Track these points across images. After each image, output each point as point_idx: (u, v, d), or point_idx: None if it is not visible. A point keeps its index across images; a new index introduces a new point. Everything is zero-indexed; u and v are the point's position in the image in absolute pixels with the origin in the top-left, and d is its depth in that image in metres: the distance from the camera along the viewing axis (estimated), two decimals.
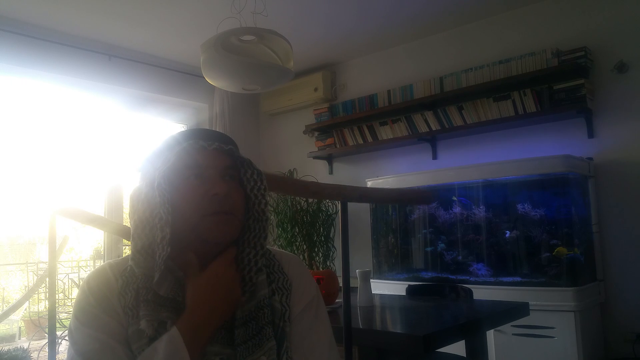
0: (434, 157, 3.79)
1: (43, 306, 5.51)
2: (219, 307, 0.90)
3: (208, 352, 0.90)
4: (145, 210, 0.93)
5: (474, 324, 1.91)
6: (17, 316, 5.13)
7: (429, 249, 3.44)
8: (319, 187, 1.46)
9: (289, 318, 0.97)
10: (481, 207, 3.17)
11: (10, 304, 5.10)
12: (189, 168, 0.93)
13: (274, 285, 0.99)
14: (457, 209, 3.27)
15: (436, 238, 3.39)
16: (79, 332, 0.89)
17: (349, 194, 1.38)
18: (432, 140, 3.76)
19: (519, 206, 3.00)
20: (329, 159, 4.36)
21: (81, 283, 0.97)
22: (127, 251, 3.65)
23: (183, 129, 0.99)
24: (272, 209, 4.00)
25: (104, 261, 4.11)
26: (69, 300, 5.29)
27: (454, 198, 3.27)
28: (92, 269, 1.02)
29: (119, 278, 0.94)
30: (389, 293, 2.97)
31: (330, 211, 3.68)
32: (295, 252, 3.77)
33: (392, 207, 3.68)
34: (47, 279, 2.24)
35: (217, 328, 0.90)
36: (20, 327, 5.32)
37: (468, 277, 3.11)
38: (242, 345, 0.90)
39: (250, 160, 0.99)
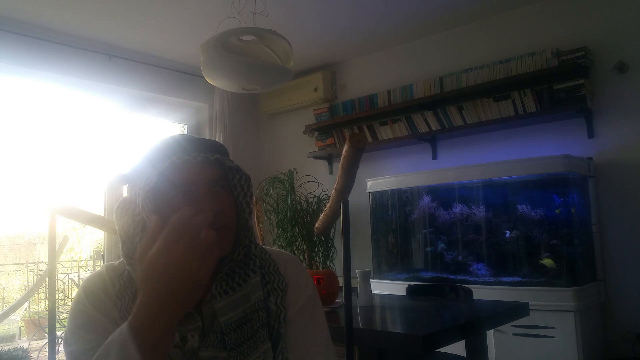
0: (434, 157, 3.79)
1: (43, 306, 5.52)
2: (175, 288, 0.76)
3: (202, 356, 0.88)
4: (129, 225, 0.91)
5: (474, 324, 1.91)
6: (17, 316, 5.13)
7: (429, 249, 3.44)
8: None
9: (284, 319, 0.95)
10: (481, 207, 3.17)
11: (10, 304, 5.10)
12: (176, 187, 0.88)
13: (269, 286, 0.97)
14: (456, 209, 3.27)
15: (436, 238, 3.39)
16: (73, 335, 0.89)
17: (346, 191, 1.38)
18: (432, 140, 3.76)
19: (519, 206, 3.00)
20: (329, 159, 4.36)
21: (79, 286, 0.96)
22: None
23: (168, 137, 0.94)
24: (272, 209, 4.01)
25: (104, 261, 4.11)
26: (69, 300, 5.29)
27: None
28: (92, 270, 1.02)
29: (116, 282, 0.93)
30: (389, 293, 2.97)
31: None
32: (295, 252, 3.77)
33: (392, 206, 3.68)
34: (47, 279, 2.24)
35: (180, 311, 0.79)
36: (20, 327, 5.32)
37: (468, 277, 3.11)
38: (237, 349, 0.89)
39: (239, 166, 0.94)
